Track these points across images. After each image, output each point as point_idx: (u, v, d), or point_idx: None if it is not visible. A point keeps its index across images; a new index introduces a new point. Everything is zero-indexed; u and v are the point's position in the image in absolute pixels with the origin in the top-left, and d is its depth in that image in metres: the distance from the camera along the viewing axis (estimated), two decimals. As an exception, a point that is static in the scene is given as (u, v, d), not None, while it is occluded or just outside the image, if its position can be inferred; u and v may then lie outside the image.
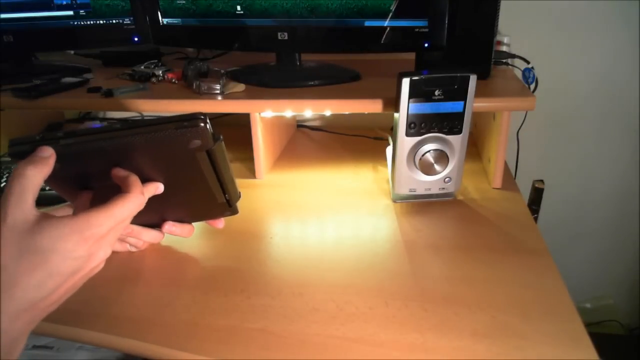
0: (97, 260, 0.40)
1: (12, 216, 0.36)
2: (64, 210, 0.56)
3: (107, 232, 0.40)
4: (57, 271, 0.36)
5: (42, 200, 0.71)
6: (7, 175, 0.76)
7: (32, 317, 0.36)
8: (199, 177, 0.49)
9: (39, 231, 0.36)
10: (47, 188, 0.72)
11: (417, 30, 0.70)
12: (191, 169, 0.48)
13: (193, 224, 0.58)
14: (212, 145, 0.46)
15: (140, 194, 0.43)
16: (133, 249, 0.57)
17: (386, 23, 0.71)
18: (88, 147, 0.42)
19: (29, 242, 0.35)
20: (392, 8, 0.70)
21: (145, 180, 0.46)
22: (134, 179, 0.44)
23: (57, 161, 0.41)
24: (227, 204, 0.55)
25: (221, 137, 0.47)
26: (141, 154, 0.44)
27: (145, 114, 1.04)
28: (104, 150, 0.43)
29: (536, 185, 0.88)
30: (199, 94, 0.74)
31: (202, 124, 0.43)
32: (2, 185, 0.74)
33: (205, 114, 0.43)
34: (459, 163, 0.65)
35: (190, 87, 0.77)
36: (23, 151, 0.41)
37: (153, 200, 0.47)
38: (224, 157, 0.49)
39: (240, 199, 0.57)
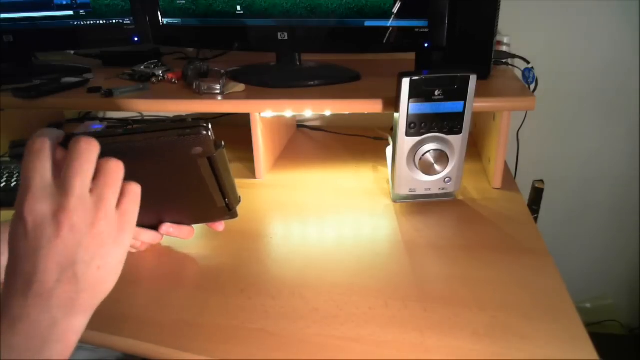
0: (111, 212, 0.38)
1: None
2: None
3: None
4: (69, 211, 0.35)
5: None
6: (7, 175, 0.75)
7: (64, 267, 0.34)
8: (200, 182, 0.49)
9: None
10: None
11: (417, 30, 0.70)
12: (192, 174, 0.48)
13: (193, 226, 0.58)
14: (214, 152, 0.46)
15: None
16: (133, 250, 0.57)
17: (386, 23, 0.71)
18: None
19: None
20: (392, 8, 0.70)
21: (145, 184, 0.46)
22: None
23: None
24: (226, 208, 0.55)
25: (223, 143, 0.47)
26: (142, 158, 0.44)
27: (145, 114, 1.04)
28: (105, 154, 0.43)
29: (536, 185, 0.88)
30: (199, 94, 0.74)
31: (204, 132, 0.43)
32: (2, 185, 0.74)
33: (207, 121, 0.43)
34: (459, 163, 0.65)
35: (190, 87, 0.77)
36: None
37: (152, 203, 0.46)
38: (225, 163, 0.49)
39: (240, 201, 0.57)
